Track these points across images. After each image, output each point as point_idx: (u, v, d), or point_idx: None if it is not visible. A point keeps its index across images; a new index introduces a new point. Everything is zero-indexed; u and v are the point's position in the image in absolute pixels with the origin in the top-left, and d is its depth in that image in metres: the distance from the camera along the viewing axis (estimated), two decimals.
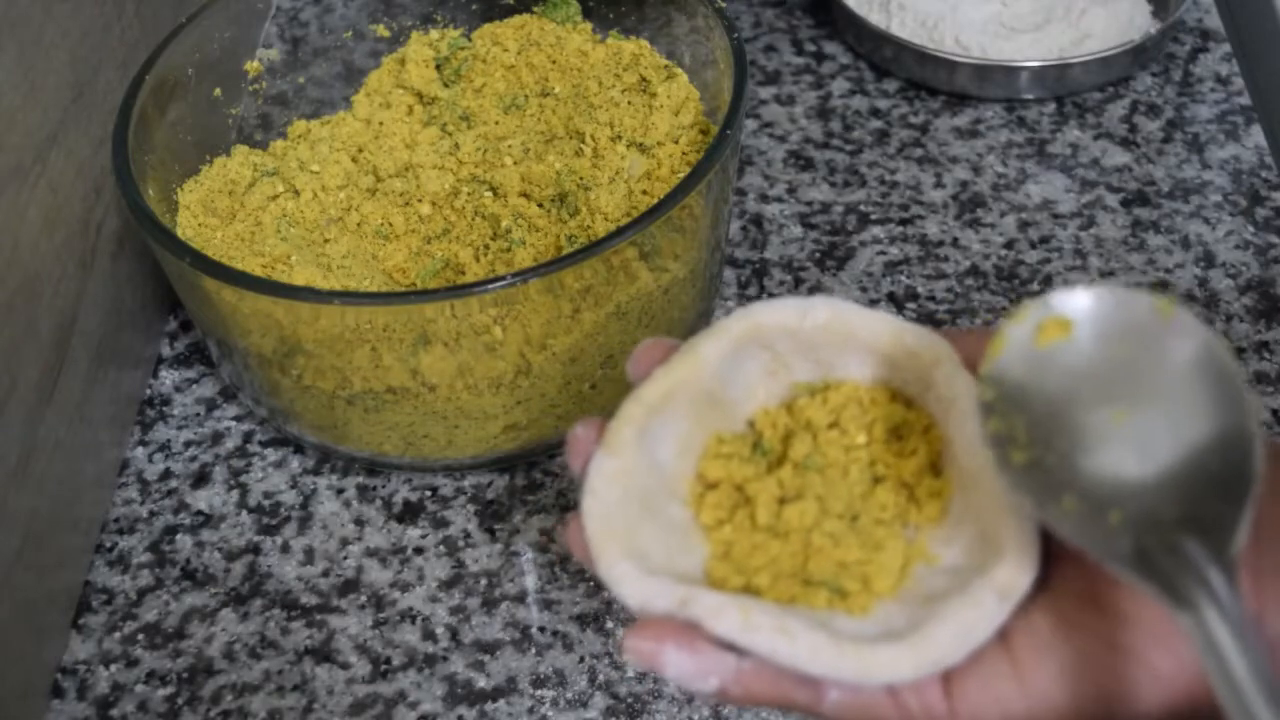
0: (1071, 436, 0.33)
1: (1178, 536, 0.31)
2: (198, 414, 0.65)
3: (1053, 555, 0.35)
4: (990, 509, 0.35)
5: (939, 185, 0.74)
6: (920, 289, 0.69)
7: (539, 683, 0.54)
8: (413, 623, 0.57)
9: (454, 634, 0.56)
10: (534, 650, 0.55)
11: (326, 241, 0.61)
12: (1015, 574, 0.34)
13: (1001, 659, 0.34)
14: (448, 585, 0.58)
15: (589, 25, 0.68)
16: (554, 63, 0.67)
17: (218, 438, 0.64)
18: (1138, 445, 0.33)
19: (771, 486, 0.38)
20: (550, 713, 0.54)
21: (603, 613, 0.57)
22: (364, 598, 0.57)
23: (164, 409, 0.65)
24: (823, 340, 0.39)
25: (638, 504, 0.37)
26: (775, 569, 0.36)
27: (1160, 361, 0.33)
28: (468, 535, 0.60)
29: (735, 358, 0.39)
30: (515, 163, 0.62)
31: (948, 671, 0.34)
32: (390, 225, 0.62)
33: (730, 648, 0.34)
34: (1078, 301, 0.34)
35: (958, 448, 0.37)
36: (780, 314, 0.39)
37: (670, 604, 0.34)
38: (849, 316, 0.39)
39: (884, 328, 0.39)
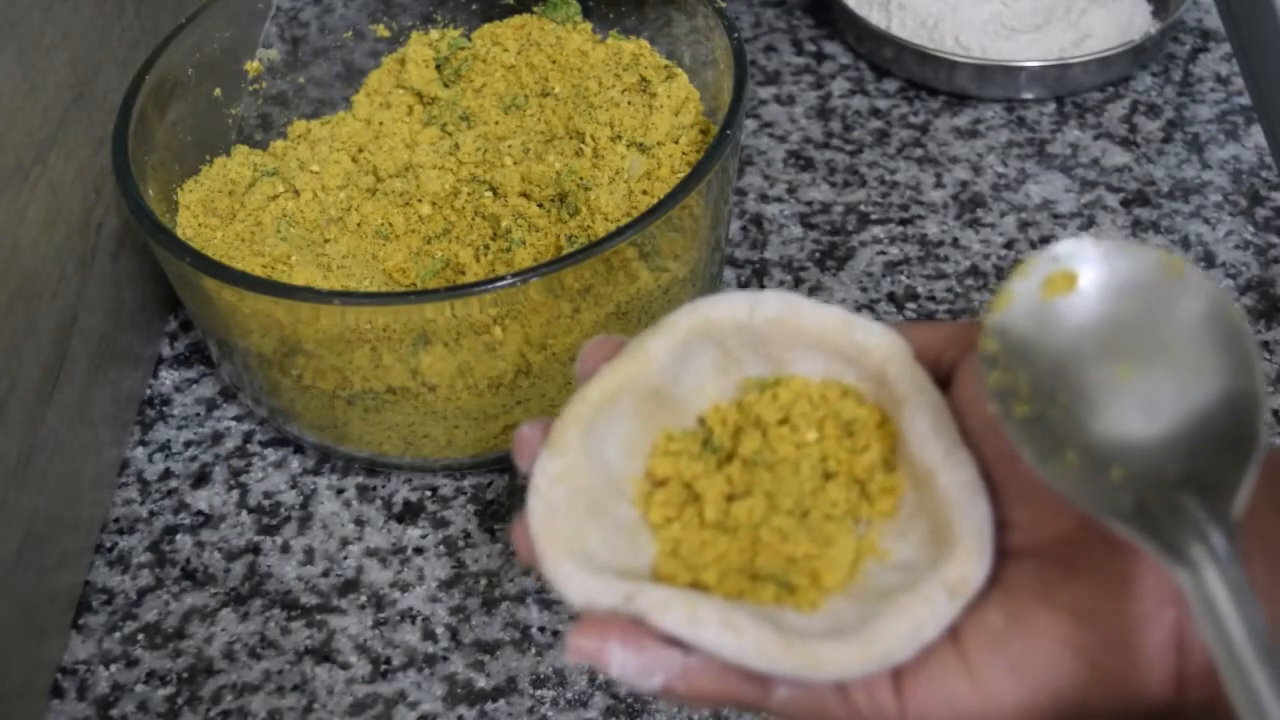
0: (1075, 392, 0.33)
1: (1179, 495, 0.31)
2: (198, 414, 0.65)
3: (1007, 552, 0.35)
4: (943, 505, 0.35)
5: (939, 185, 0.74)
6: (920, 289, 0.69)
7: (539, 683, 0.54)
8: (413, 623, 0.57)
9: (454, 634, 0.56)
10: (534, 650, 0.55)
11: (326, 241, 0.61)
12: (967, 570, 0.34)
13: (952, 656, 0.34)
14: (448, 585, 0.58)
15: (589, 25, 0.68)
16: (554, 63, 0.67)
17: (218, 438, 0.64)
18: (1143, 402, 0.32)
19: (720, 483, 0.37)
20: (550, 713, 0.54)
21: None
22: (364, 598, 0.57)
23: (164, 409, 0.65)
24: (773, 335, 0.38)
25: (584, 504, 0.36)
26: (723, 565, 0.35)
27: (1168, 319, 0.33)
28: (468, 535, 0.60)
29: (685, 354, 0.38)
30: (515, 163, 0.62)
31: (897, 669, 0.34)
32: (390, 225, 0.62)
33: (677, 644, 0.33)
34: (1085, 255, 0.34)
35: (910, 443, 0.36)
36: (730, 308, 0.38)
37: (615, 600, 0.34)
38: (800, 311, 0.38)
39: (834, 322, 0.38)
